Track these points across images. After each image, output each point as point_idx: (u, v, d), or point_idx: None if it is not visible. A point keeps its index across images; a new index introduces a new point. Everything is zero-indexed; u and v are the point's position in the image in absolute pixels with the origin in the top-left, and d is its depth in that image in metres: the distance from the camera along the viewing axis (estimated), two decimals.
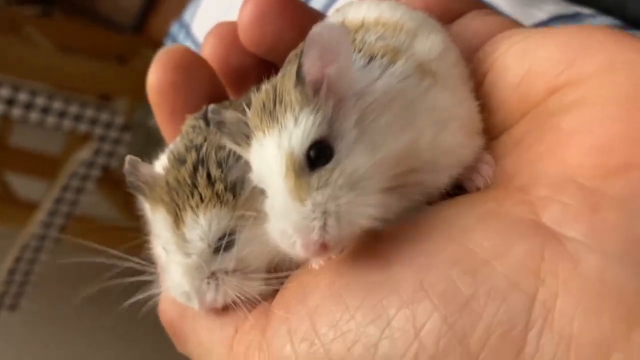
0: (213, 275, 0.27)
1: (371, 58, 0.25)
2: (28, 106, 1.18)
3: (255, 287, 0.27)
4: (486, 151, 0.26)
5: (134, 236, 0.31)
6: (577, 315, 0.20)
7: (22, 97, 1.17)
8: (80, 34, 1.61)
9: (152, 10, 1.76)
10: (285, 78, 0.24)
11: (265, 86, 0.25)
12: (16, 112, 1.18)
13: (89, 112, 1.23)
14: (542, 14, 0.46)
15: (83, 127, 1.23)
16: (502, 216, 0.22)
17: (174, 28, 0.63)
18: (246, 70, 0.33)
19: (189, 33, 0.59)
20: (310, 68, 0.23)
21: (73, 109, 1.21)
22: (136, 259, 0.29)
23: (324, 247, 0.22)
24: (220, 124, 0.26)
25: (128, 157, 0.29)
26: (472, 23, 0.30)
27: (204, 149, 0.28)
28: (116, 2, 1.80)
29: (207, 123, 0.29)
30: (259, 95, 0.25)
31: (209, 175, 0.27)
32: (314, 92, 0.23)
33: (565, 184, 0.22)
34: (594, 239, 0.20)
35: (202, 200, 0.27)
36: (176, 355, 0.31)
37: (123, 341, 1.37)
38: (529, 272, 0.21)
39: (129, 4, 1.76)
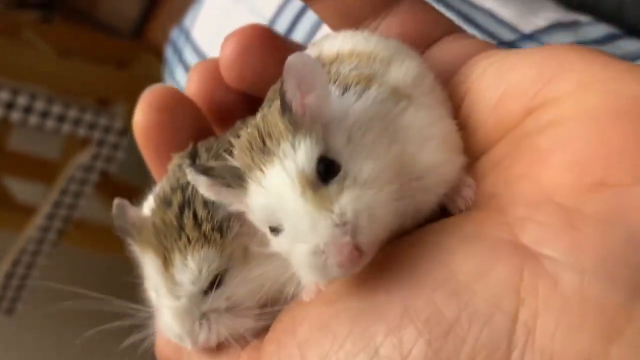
0: (204, 315, 0.27)
1: (346, 87, 0.25)
2: (27, 110, 1.18)
3: (247, 324, 0.27)
4: (467, 173, 0.26)
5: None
6: (558, 333, 0.20)
7: (21, 100, 1.17)
8: (79, 39, 1.61)
9: (151, 16, 1.76)
10: (268, 114, 0.24)
11: (246, 129, 0.25)
12: (15, 115, 1.18)
13: (88, 117, 1.23)
14: (541, 21, 0.47)
15: (82, 132, 1.23)
16: (482, 238, 0.22)
17: (174, 33, 0.63)
18: (231, 106, 0.33)
19: (188, 38, 0.60)
20: (292, 96, 0.23)
21: (72, 113, 1.21)
22: (133, 305, 0.29)
23: (358, 251, 0.22)
24: (209, 170, 0.25)
25: (116, 201, 0.29)
26: (449, 47, 0.30)
27: (189, 189, 0.27)
28: (115, 8, 1.80)
29: (193, 161, 0.29)
30: (242, 138, 0.25)
31: (195, 216, 0.27)
32: (301, 117, 0.23)
33: (542, 203, 0.22)
34: (571, 257, 0.20)
35: (189, 241, 0.26)
36: None
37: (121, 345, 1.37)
38: (509, 293, 0.21)
39: (128, 10, 1.76)
